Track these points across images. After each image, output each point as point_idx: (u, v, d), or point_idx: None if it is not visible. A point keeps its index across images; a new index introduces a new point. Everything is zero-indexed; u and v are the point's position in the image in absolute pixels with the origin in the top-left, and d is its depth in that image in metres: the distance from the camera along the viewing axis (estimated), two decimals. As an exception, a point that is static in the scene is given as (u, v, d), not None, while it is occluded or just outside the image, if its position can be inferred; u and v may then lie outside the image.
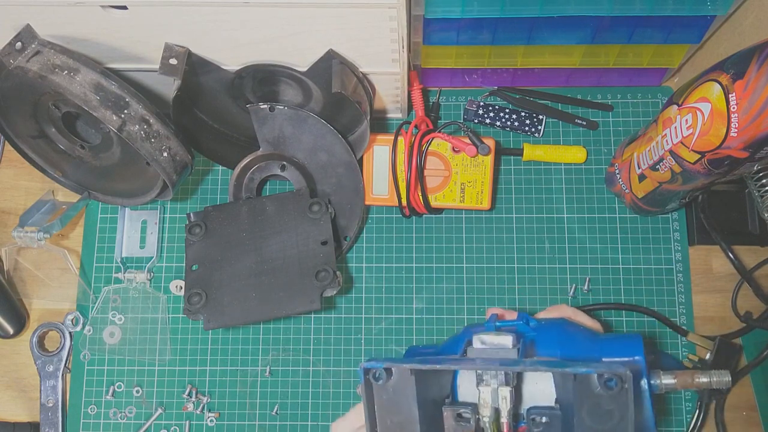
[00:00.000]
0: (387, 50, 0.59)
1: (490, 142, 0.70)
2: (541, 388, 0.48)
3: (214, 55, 0.61)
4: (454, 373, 0.49)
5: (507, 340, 0.46)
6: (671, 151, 0.59)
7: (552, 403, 0.47)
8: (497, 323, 0.51)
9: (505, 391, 0.44)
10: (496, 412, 0.45)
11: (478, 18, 0.62)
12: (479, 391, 0.45)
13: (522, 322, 0.52)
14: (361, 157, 0.71)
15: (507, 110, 0.77)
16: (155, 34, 0.58)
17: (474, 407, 0.45)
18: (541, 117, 0.77)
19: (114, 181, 0.71)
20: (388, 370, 0.44)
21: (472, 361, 0.46)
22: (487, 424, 0.45)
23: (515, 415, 0.48)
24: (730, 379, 0.50)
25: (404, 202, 0.70)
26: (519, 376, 0.47)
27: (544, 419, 0.46)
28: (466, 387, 0.48)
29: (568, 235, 0.75)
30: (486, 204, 0.71)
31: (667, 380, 0.48)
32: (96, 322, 0.74)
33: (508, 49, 0.70)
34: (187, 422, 0.72)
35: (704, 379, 0.49)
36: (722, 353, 0.69)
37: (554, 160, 0.76)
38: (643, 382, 0.48)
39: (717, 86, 0.52)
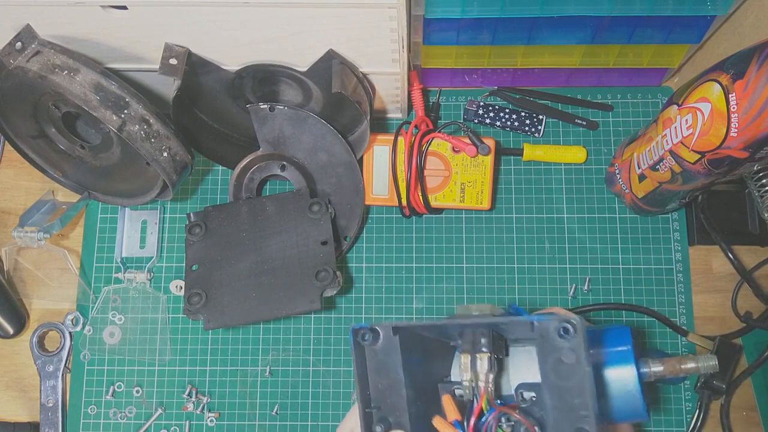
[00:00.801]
0: (387, 50, 0.59)
1: (490, 142, 0.70)
2: (530, 368, 0.49)
3: (214, 55, 0.61)
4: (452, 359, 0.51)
5: (486, 308, 0.47)
6: (671, 151, 0.59)
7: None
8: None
9: (484, 357, 0.45)
10: (477, 377, 0.46)
11: (478, 18, 0.62)
12: (459, 357, 0.46)
13: (512, 313, 0.53)
14: (361, 157, 0.71)
15: (507, 110, 0.77)
16: (155, 34, 0.58)
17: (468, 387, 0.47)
18: (541, 117, 0.77)
19: (114, 181, 0.71)
20: (375, 331, 0.46)
21: (446, 319, 0.48)
22: (467, 389, 0.46)
23: (503, 396, 0.49)
24: (717, 363, 0.51)
25: (404, 202, 0.70)
26: (506, 351, 0.48)
27: (532, 396, 0.47)
28: (457, 372, 0.50)
29: (568, 235, 0.75)
30: (486, 204, 0.71)
31: (655, 367, 0.51)
32: (96, 322, 0.74)
33: (508, 49, 0.70)
34: (187, 422, 0.72)
35: (691, 365, 0.51)
36: (722, 353, 0.69)
37: (554, 160, 0.76)
38: (633, 370, 0.49)
39: (717, 86, 0.52)
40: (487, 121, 0.77)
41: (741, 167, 0.54)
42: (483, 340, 0.45)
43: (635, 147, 0.67)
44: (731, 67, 0.51)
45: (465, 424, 0.45)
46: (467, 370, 0.45)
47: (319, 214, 0.69)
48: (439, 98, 0.78)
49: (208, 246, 0.69)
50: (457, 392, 0.48)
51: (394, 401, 0.45)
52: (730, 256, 0.71)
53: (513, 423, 0.46)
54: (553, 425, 0.42)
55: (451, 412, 0.45)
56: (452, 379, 0.50)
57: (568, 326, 0.41)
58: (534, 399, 0.46)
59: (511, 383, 0.49)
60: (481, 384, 0.45)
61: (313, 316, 0.74)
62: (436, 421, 0.45)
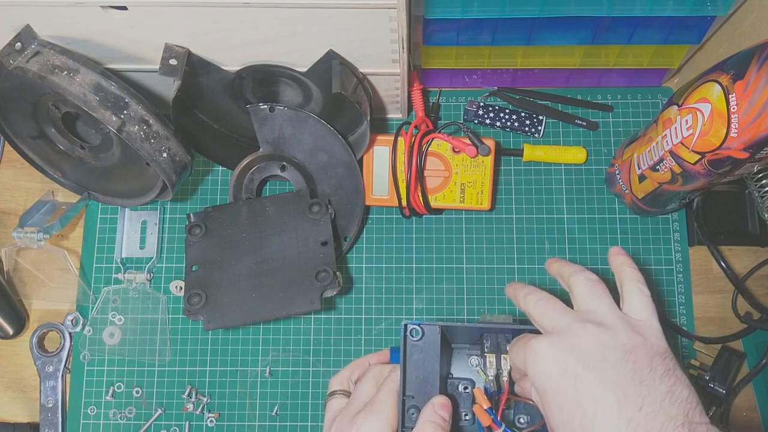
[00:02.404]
0: (387, 50, 0.59)
1: (490, 143, 0.70)
2: None
3: (214, 56, 0.61)
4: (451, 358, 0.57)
5: (509, 318, 0.54)
6: (671, 152, 0.59)
7: None
8: None
9: (508, 358, 0.52)
10: (498, 373, 0.52)
11: (478, 18, 0.62)
12: (485, 357, 0.52)
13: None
14: (361, 158, 0.71)
15: (507, 111, 0.77)
16: (155, 34, 0.58)
17: (471, 381, 0.55)
18: (541, 117, 0.77)
19: (114, 181, 0.71)
20: (422, 329, 0.52)
21: (487, 323, 0.53)
22: (492, 382, 0.52)
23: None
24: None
25: (404, 202, 0.70)
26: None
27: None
28: (456, 371, 0.57)
29: (568, 235, 0.75)
30: (486, 204, 0.71)
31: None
32: (96, 323, 0.74)
33: (508, 49, 0.70)
34: (187, 423, 0.72)
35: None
36: (724, 360, 0.69)
37: (554, 161, 0.76)
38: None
39: (717, 87, 0.52)
40: (487, 121, 0.77)
41: (741, 168, 0.54)
42: (507, 346, 0.51)
43: (635, 147, 0.67)
44: (731, 67, 0.51)
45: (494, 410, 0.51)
46: (492, 367, 0.52)
47: (319, 214, 0.69)
48: (439, 99, 0.78)
49: (208, 246, 0.69)
50: (467, 386, 0.55)
51: (427, 391, 0.51)
52: (723, 264, 0.71)
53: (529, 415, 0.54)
54: None
55: (483, 401, 0.49)
56: (456, 376, 0.56)
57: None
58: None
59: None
60: (505, 379, 0.52)
61: (313, 316, 0.74)
62: (477, 393, 0.50)
